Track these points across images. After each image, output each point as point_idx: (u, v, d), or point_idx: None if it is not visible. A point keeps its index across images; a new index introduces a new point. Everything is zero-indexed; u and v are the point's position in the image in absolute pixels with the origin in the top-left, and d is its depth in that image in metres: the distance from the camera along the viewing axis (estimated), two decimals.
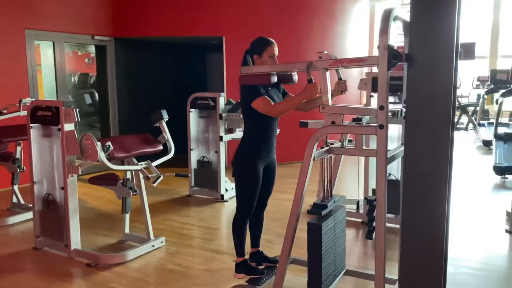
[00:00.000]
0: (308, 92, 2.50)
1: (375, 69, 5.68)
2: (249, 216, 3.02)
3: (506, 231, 4.16)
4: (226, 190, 5.34)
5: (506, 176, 6.40)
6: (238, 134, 5.45)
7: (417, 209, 2.41)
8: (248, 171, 2.90)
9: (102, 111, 7.42)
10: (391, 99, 4.34)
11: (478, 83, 11.99)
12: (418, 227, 2.41)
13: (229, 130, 5.43)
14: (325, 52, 2.51)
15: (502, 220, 4.50)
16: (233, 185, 5.46)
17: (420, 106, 2.31)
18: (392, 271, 3.41)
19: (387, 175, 4.35)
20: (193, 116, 5.41)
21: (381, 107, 2.21)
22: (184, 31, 7.12)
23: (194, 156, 5.48)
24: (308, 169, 2.44)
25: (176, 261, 3.55)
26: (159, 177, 3.66)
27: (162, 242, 3.87)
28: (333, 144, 2.66)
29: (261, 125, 2.88)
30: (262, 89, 2.80)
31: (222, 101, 5.19)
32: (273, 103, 2.76)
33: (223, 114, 5.17)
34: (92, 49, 7.30)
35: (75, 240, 3.61)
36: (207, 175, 5.38)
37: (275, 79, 2.70)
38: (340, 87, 2.78)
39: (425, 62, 2.25)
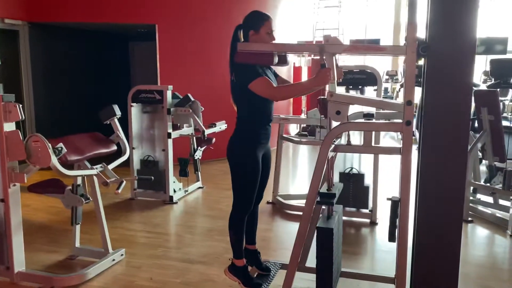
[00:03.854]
0: (322, 78, 2.26)
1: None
2: (249, 211, 2.74)
3: None
4: (175, 191, 4.95)
5: None
6: (186, 130, 5.09)
7: (433, 208, 2.35)
8: (248, 161, 2.62)
9: None
10: (352, 92, 4.32)
11: (387, 77, 12.75)
12: (434, 223, 2.35)
13: (175, 126, 5.04)
14: (332, 35, 2.33)
15: None
16: (181, 185, 5.15)
17: (441, 99, 2.23)
18: (361, 266, 3.38)
19: (350, 169, 4.36)
20: (135, 111, 4.91)
21: (408, 102, 2.09)
22: (111, 17, 6.48)
23: (137, 156, 5.00)
24: (322, 171, 2.25)
25: (145, 276, 3.14)
26: (122, 182, 3.22)
27: (122, 254, 3.42)
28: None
29: (259, 108, 2.62)
30: (260, 69, 2.54)
31: (169, 94, 4.78)
32: (274, 85, 2.51)
33: (171, 109, 4.76)
34: None
35: (19, 260, 3.03)
36: (152, 176, 4.92)
37: (277, 59, 2.46)
38: (337, 74, 2.62)
39: (446, 55, 2.18)
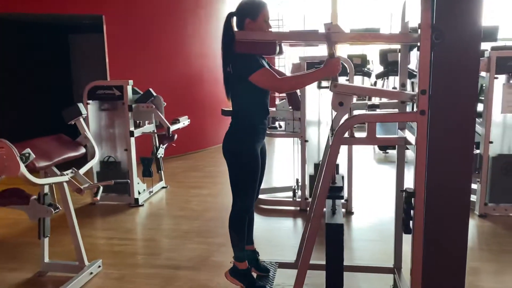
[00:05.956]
0: (332, 68, 2.15)
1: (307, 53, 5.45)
2: (250, 209, 2.60)
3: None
4: (139, 193, 4.66)
5: (387, 151, 7.06)
6: (148, 127, 4.81)
7: (443, 199, 2.34)
8: (249, 158, 2.47)
9: None
10: (325, 83, 4.27)
11: None
12: (444, 214, 2.34)
13: (135, 124, 4.73)
14: (333, 23, 2.23)
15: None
16: (145, 186, 4.86)
17: (448, 87, 2.21)
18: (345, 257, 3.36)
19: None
20: (92, 109, 4.54)
21: (423, 91, 2.04)
22: (50, 7, 5.95)
23: (96, 157, 4.62)
24: (334, 166, 2.16)
25: (129, 287, 2.91)
26: (99, 187, 2.94)
27: (99, 266, 3.14)
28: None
29: (257, 101, 2.48)
30: (260, 60, 2.40)
31: (129, 89, 4.46)
32: (277, 76, 2.37)
33: (133, 105, 4.46)
34: None
35: None
36: (114, 178, 4.55)
37: (278, 48, 2.33)
38: None
39: (455, 41, 2.16)
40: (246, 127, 2.49)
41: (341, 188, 2.38)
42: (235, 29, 2.43)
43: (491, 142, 3.97)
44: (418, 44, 2.04)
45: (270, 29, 2.46)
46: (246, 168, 2.49)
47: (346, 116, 2.25)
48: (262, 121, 2.53)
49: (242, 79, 2.34)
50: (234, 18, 2.44)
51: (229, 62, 2.40)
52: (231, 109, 4.27)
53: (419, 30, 2.02)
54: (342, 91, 2.20)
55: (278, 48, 2.32)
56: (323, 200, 2.21)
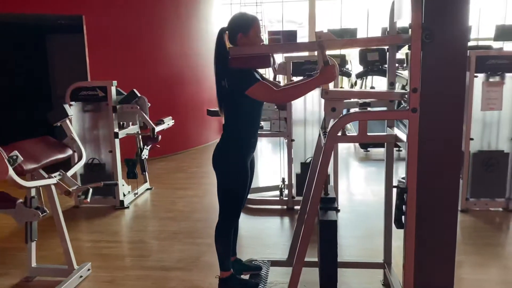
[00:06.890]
0: (329, 75, 2.18)
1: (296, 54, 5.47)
2: (237, 221, 2.61)
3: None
4: (124, 195, 4.61)
5: (368, 149, 7.17)
6: (132, 128, 4.76)
7: (433, 195, 2.40)
8: (239, 171, 2.48)
9: None
10: None
11: None
12: (433, 210, 2.40)
13: (119, 125, 4.68)
14: (324, 31, 2.27)
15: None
16: (130, 188, 4.82)
17: (437, 86, 2.27)
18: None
19: (311, 158, 4.37)
20: (75, 110, 4.46)
21: (414, 90, 2.09)
22: (28, 7, 5.82)
23: (83, 158, 4.55)
24: (328, 166, 2.20)
25: None
26: (88, 189, 2.91)
27: (89, 269, 3.10)
28: None
29: (252, 115, 2.48)
30: (256, 74, 2.41)
31: (113, 90, 4.41)
32: (274, 88, 2.38)
33: (117, 107, 4.41)
34: None
35: None
36: (99, 180, 4.50)
37: (272, 60, 2.35)
38: None
39: (444, 40, 2.21)
40: (239, 142, 2.50)
41: (335, 199, 2.42)
42: (228, 43, 2.44)
43: (472, 139, 4.08)
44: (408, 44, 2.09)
45: (262, 43, 2.49)
46: (235, 182, 2.50)
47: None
48: (254, 134, 2.54)
49: (238, 93, 2.34)
50: (226, 33, 2.46)
51: (223, 76, 2.41)
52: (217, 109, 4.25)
53: (409, 31, 2.07)
54: (335, 97, 2.23)
55: (272, 60, 2.34)
56: (317, 201, 2.23)
